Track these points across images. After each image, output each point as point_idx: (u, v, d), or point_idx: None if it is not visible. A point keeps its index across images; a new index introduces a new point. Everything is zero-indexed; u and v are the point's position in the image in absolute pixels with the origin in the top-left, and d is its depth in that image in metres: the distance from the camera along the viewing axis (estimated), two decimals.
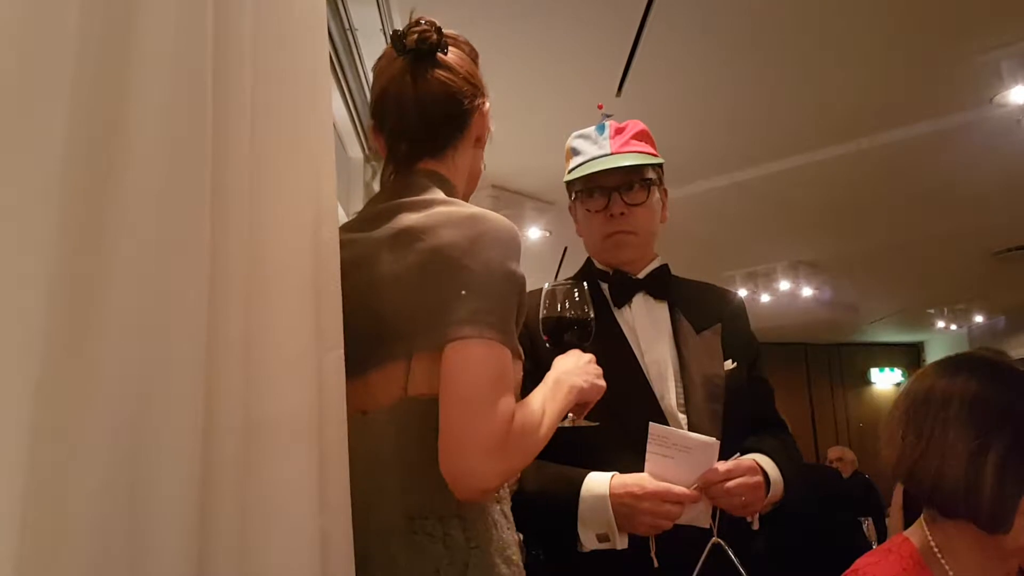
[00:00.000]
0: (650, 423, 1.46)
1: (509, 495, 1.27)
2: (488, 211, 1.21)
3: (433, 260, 1.14)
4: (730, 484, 1.46)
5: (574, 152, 1.79)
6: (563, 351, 1.39)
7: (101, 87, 0.75)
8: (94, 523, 0.69)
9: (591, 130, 1.78)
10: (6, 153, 0.68)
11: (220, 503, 0.81)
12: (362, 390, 1.18)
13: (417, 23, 1.33)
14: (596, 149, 1.74)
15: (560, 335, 1.44)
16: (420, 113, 1.31)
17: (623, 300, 1.73)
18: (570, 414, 1.36)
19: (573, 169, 1.76)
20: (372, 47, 3.10)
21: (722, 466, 1.47)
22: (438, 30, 1.32)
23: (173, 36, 0.81)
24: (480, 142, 1.40)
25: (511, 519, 1.24)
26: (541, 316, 1.45)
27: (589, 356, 1.37)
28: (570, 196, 1.85)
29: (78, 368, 0.70)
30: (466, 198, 1.41)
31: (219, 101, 0.86)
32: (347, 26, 2.90)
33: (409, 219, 1.19)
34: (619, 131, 1.76)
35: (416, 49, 1.30)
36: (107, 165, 0.74)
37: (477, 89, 1.35)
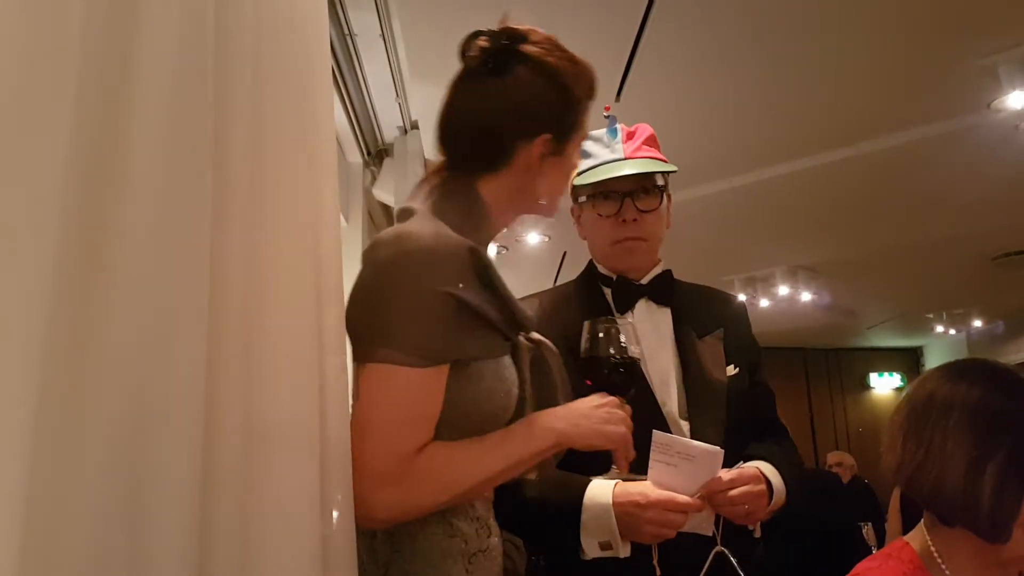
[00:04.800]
0: (654, 431, 1.45)
1: (459, 512, 1.20)
2: (425, 229, 1.16)
3: (367, 277, 1.16)
4: (734, 493, 1.45)
5: (584, 154, 1.75)
6: (607, 392, 1.33)
7: (103, 94, 0.75)
8: (94, 527, 0.69)
9: (602, 133, 1.76)
10: (8, 155, 0.68)
11: (221, 508, 0.81)
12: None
13: (495, 32, 1.25)
14: (609, 153, 1.73)
15: (601, 378, 1.37)
16: (450, 137, 1.28)
17: (626, 306, 1.72)
18: (613, 466, 1.36)
19: (584, 172, 1.74)
20: (371, 52, 3.11)
21: (726, 475, 1.45)
22: (504, 47, 1.23)
23: (174, 41, 0.81)
24: (530, 169, 1.26)
25: (460, 531, 1.18)
26: (582, 355, 1.41)
27: (607, 400, 1.30)
28: (574, 199, 1.83)
29: (79, 373, 0.70)
30: (521, 213, 1.35)
31: (220, 105, 0.86)
32: (347, 31, 2.91)
33: (383, 233, 1.20)
34: (630, 135, 1.75)
35: (467, 65, 1.26)
36: (108, 170, 0.74)
37: (531, 121, 1.24)
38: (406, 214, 1.23)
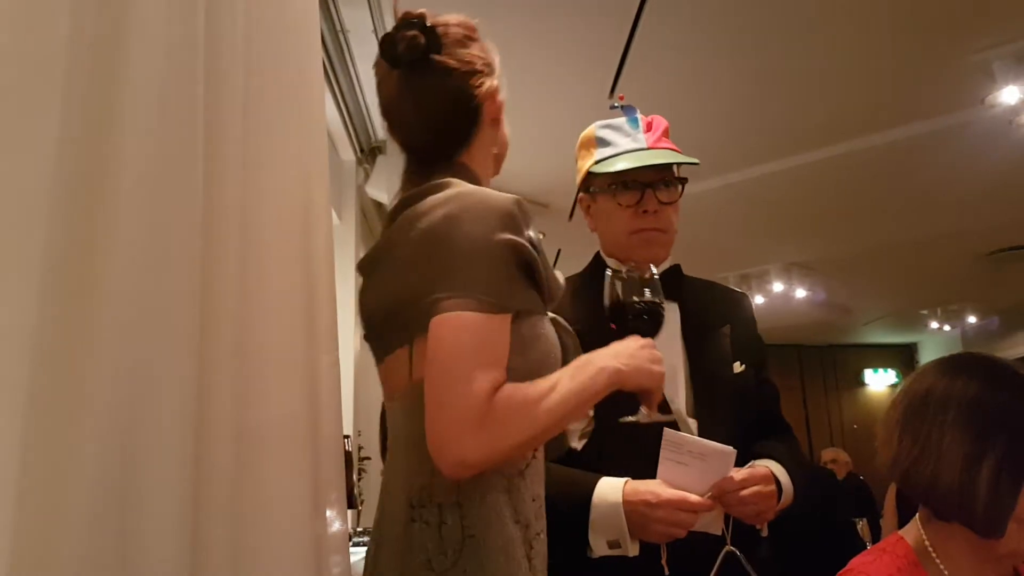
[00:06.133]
0: (665, 429, 1.42)
1: (528, 487, 1.21)
2: (480, 188, 1.21)
3: (422, 242, 1.15)
4: (745, 493, 1.43)
5: (601, 142, 1.72)
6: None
7: (92, 93, 0.74)
8: (86, 528, 0.68)
9: (621, 122, 1.72)
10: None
11: (214, 507, 0.80)
12: (385, 379, 1.20)
13: (403, 24, 1.29)
14: (631, 142, 1.69)
15: (626, 323, 1.38)
16: (426, 128, 1.29)
17: None
18: (643, 408, 1.33)
19: (603, 160, 1.69)
20: (364, 49, 3.10)
21: (737, 475, 1.44)
22: (426, 30, 1.28)
23: (164, 39, 0.81)
24: (496, 122, 1.35)
25: (523, 515, 1.18)
26: (607, 303, 1.41)
27: (646, 341, 1.30)
28: (586, 188, 1.77)
29: (70, 374, 0.69)
30: (491, 176, 1.40)
31: (211, 103, 0.86)
32: (339, 28, 2.90)
33: (411, 210, 1.20)
34: (649, 126, 1.72)
35: (408, 61, 1.27)
36: (98, 171, 0.74)
37: (480, 74, 1.30)
38: (437, 188, 1.22)
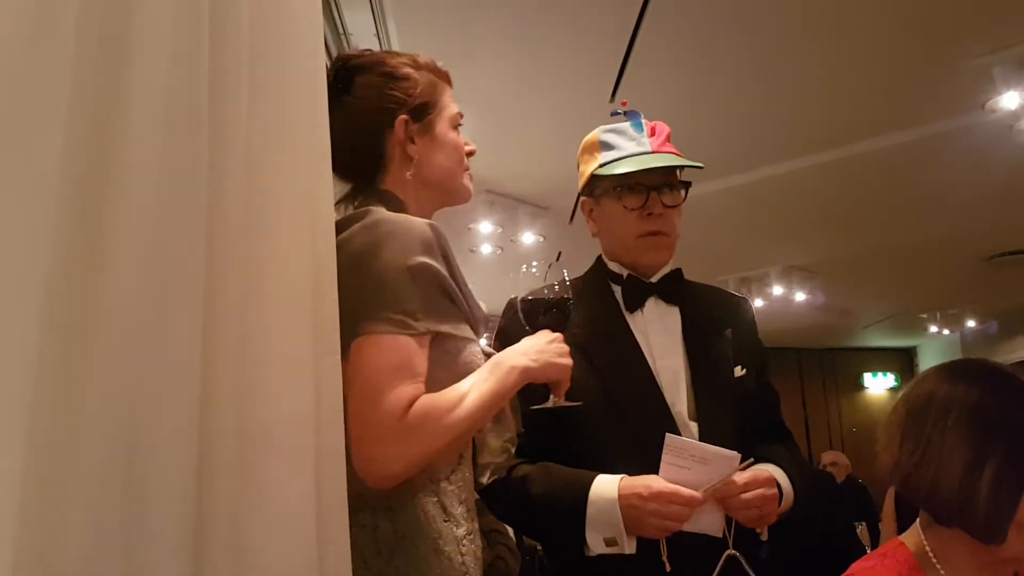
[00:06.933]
0: (667, 435, 1.43)
1: (455, 491, 1.28)
2: (399, 215, 1.30)
3: (346, 268, 1.21)
4: (748, 496, 1.44)
5: (605, 146, 1.73)
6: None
7: (98, 92, 0.74)
8: (90, 524, 0.69)
9: (626, 126, 1.73)
10: (4, 153, 0.68)
11: (215, 505, 0.81)
12: None
13: (337, 58, 1.41)
14: (636, 146, 1.70)
15: (535, 317, 1.46)
16: (338, 154, 1.37)
17: (636, 304, 1.69)
18: (552, 396, 1.40)
19: (608, 163, 1.70)
20: None
21: (740, 478, 1.45)
22: (336, 70, 1.39)
23: (170, 41, 0.81)
24: (407, 154, 1.43)
25: (454, 513, 1.26)
26: (519, 297, 1.48)
27: (554, 336, 1.40)
28: (590, 192, 1.79)
29: (74, 372, 0.70)
30: (435, 201, 1.49)
31: (215, 105, 0.86)
32: (341, 31, 2.90)
33: (338, 238, 1.27)
34: (653, 131, 1.73)
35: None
36: (104, 170, 0.74)
37: (384, 112, 1.41)
38: (361, 215, 1.30)
